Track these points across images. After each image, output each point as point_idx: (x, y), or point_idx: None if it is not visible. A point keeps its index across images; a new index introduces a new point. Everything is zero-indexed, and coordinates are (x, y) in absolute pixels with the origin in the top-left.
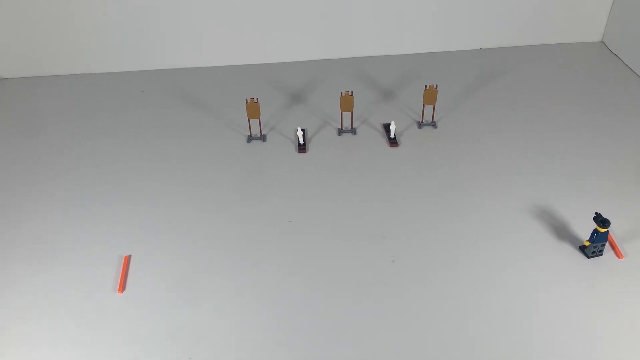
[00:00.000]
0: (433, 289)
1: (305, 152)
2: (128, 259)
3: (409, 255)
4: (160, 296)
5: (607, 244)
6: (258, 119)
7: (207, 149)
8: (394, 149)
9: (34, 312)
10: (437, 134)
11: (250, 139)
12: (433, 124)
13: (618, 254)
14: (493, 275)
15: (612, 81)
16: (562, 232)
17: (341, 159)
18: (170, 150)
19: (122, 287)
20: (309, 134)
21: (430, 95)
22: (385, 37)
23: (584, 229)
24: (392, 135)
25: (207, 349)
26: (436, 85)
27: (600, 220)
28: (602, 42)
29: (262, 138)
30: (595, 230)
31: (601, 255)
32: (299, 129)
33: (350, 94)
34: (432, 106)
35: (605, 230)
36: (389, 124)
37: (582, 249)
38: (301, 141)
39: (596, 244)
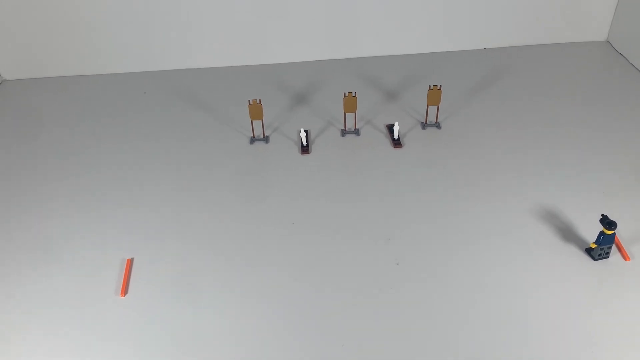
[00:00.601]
0: (438, 292)
1: (308, 153)
2: (130, 262)
3: (413, 257)
4: (163, 299)
5: (613, 246)
6: (261, 120)
7: (209, 150)
8: (397, 150)
9: (35, 315)
10: (442, 134)
11: (253, 140)
12: (437, 125)
13: (625, 257)
14: (498, 277)
15: (617, 81)
16: (567, 234)
17: (344, 160)
18: (173, 152)
19: (125, 290)
20: (312, 135)
21: (434, 95)
22: (388, 37)
23: (590, 231)
24: (395, 136)
25: (210, 352)
26: (440, 85)
27: (607, 222)
28: (608, 41)
29: (265, 139)
30: (601, 233)
31: (608, 257)
32: (302, 130)
33: (353, 94)
34: (436, 107)
35: (612, 232)
36: (393, 125)
37: (589, 251)
38: (304, 142)
39: (603, 246)
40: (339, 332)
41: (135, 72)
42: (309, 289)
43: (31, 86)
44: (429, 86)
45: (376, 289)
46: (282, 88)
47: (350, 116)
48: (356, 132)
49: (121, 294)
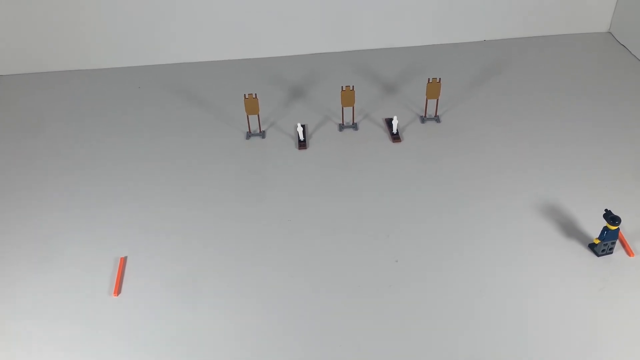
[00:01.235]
0: (438, 289)
1: (305, 148)
2: (124, 261)
3: (412, 254)
4: (157, 299)
5: (617, 241)
6: (257, 115)
7: (204, 146)
8: (396, 145)
9: (26, 316)
10: (441, 128)
11: (249, 135)
12: (436, 119)
13: (629, 252)
14: (499, 274)
15: (619, 72)
16: (570, 229)
17: (342, 155)
18: (167, 148)
19: (118, 290)
20: (309, 130)
21: (433, 89)
22: (387, 29)
23: (594, 226)
24: (394, 131)
25: (205, 352)
26: (439, 78)
27: (611, 218)
28: (609, 32)
29: (262, 134)
30: (605, 228)
31: (611, 253)
32: (299, 124)
33: (351, 88)
34: (436, 100)
35: (616, 227)
36: (392, 119)
37: (592, 247)
38: (301, 137)
39: (606, 241)
40: (336, 331)
41: (129, 67)
42: (305, 287)
43: (24, 82)
44: (428, 79)
45: (374, 287)
46: (278, 82)
47: (348, 110)
48: (354, 126)
49: (114, 293)
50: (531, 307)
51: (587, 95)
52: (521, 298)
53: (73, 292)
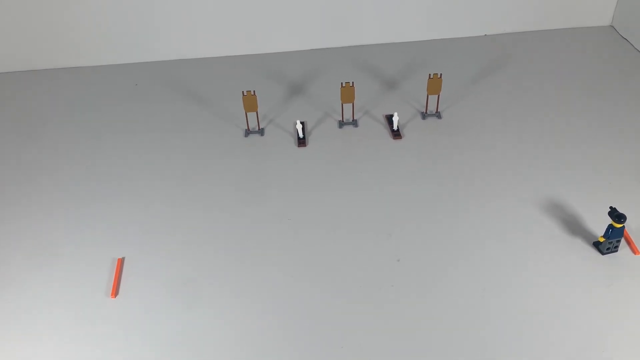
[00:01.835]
0: (440, 289)
1: (305, 145)
2: (121, 262)
3: (415, 253)
4: (155, 300)
5: (622, 239)
6: (256, 112)
7: (203, 143)
8: (397, 142)
9: (21, 317)
10: (442, 125)
11: (247, 132)
12: (437, 115)
13: (634, 250)
14: (502, 273)
15: (622, 66)
16: (574, 227)
17: (342, 152)
18: (165, 146)
19: (115, 291)
20: (308, 127)
21: (434, 84)
22: (387, 24)
23: (598, 224)
24: (395, 127)
25: (204, 355)
26: (440, 74)
27: (616, 215)
28: (612, 26)
29: (260, 132)
30: (610, 226)
31: (616, 251)
32: (298, 121)
33: (351, 84)
34: (437, 96)
35: (621, 225)
36: (392, 116)
37: (597, 245)
38: (301, 134)
39: (611, 239)
40: (338, 331)
41: (125, 64)
42: (306, 287)
43: (18, 80)
44: (429, 75)
45: (376, 286)
46: (277, 78)
47: (348, 107)
48: (354, 123)
49: (112, 295)
50: (535, 306)
51: (590, 90)
52: (525, 297)
53: (70, 294)
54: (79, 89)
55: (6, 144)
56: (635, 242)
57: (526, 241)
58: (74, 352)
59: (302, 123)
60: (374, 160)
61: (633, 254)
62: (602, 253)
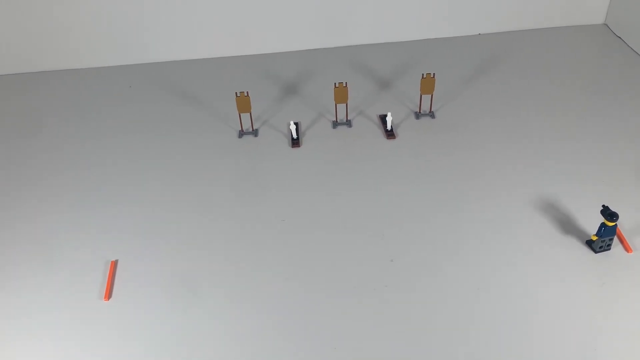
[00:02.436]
0: (434, 288)
1: (298, 146)
2: (114, 264)
3: (408, 253)
4: (148, 303)
5: (615, 237)
6: (249, 113)
7: (196, 145)
8: (391, 141)
9: (12, 322)
10: (436, 124)
11: (241, 134)
12: (431, 114)
13: (627, 248)
14: (495, 272)
15: (616, 64)
16: (567, 226)
17: (336, 153)
18: (158, 148)
19: (109, 294)
20: (302, 128)
21: (427, 84)
22: (380, 24)
23: (591, 223)
24: (388, 127)
25: (199, 357)
26: (434, 73)
27: (608, 214)
28: (605, 24)
29: (254, 133)
30: (602, 224)
31: (609, 249)
32: (292, 122)
33: (344, 84)
34: (430, 96)
35: (614, 224)
36: (386, 115)
37: (589, 243)
38: (294, 135)
39: (604, 238)
40: (331, 332)
41: (119, 66)
42: (299, 287)
43: (13, 82)
44: (422, 74)
45: (370, 287)
46: (270, 79)
47: (341, 107)
48: (348, 123)
49: (105, 297)
50: (528, 305)
51: (584, 88)
52: (518, 295)
53: (62, 297)
54: (71, 90)
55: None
56: (628, 240)
57: (519, 240)
58: (67, 356)
59: (296, 124)
60: (368, 161)
61: (626, 252)
62: (595, 251)
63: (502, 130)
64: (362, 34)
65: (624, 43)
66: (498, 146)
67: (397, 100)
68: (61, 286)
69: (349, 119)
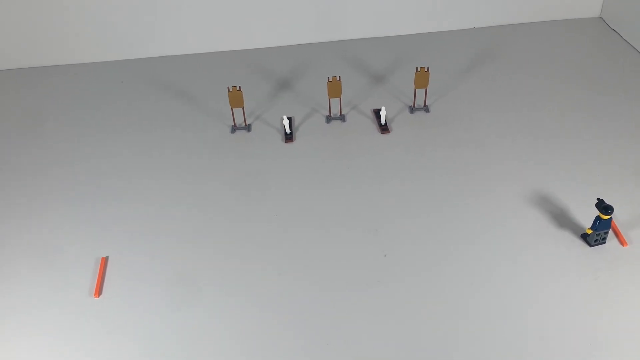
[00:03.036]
0: (428, 284)
1: (292, 141)
2: (105, 261)
3: (402, 248)
4: (139, 300)
5: (610, 231)
6: (242, 108)
7: (189, 141)
8: (385, 136)
9: (0, 319)
10: (430, 118)
11: (234, 129)
12: (425, 109)
13: (622, 242)
14: (490, 266)
15: (611, 57)
16: (562, 219)
17: (330, 147)
18: (150, 144)
19: (99, 291)
20: (295, 123)
21: (422, 78)
22: (374, 18)
23: (586, 216)
24: (382, 122)
25: (190, 355)
26: (428, 67)
27: (603, 207)
28: (601, 17)
29: (247, 128)
30: (597, 217)
31: (604, 243)
32: (285, 117)
33: (337, 79)
34: (424, 90)
35: (609, 217)
36: (380, 110)
37: (584, 237)
38: (287, 130)
39: (599, 231)
40: (323, 329)
41: (110, 61)
42: (292, 283)
43: (2, 78)
44: (417, 68)
45: (363, 282)
46: (263, 73)
47: (335, 102)
48: (342, 118)
49: (95, 294)
50: (523, 299)
51: (579, 82)
52: (513, 290)
53: (51, 294)
54: (62, 86)
55: None
56: (623, 233)
57: (513, 234)
58: (55, 353)
59: (289, 119)
60: (362, 155)
61: (621, 246)
62: (590, 245)
63: (497, 124)
64: (356, 27)
65: (619, 36)
66: (493, 140)
67: (391, 95)
68: (51, 283)
69: (342, 113)
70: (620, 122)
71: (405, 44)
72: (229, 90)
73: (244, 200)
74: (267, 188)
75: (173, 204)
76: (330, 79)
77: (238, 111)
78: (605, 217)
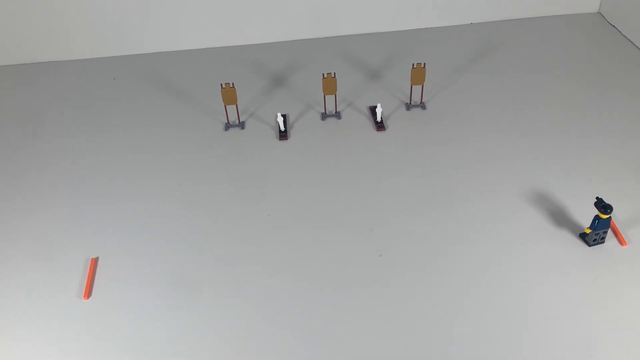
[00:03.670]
0: (424, 283)
1: (286, 139)
2: (95, 262)
3: (397, 247)
4: (130, 301)
5: (609, 230)
6: (235, 105)
7: (181, 138)
8: (381, 133)
9: None
10: (427, 115)
11: (227, 126)
12: (422, 105)
13: (621, 241)
14: (487, 266)
15: (610, 53)
16: (561, 218)
17: (325, 145)
18: (143, 141)
19: (88, 292)
20: (290, 120)
21: (418, 74)
22: (370, 13)
23: (585, 215)
24: (378, 119)
25: (181, 356)
26: (424, 63)
27: (602, 206)
28: (599, 12)
29: (241, 125)
30: (596, 217)
31: (603, 242)
32: (280, 114)
33: (332, 75)
34: (421, 86)
35: (608, 216)
36: (375, 107)
37: (583, 236)
38: (282, 127)
39: (598, 231)
40: (317, 330)
41: (103, 57)
42: (286, 283)
43: None
44: (413, 64)
45: (358, 283)
46: (257, 70)
47: (330, 98)
48: (337, 115)
49: (84, 296)
50: (521, 299)
51: (577, 78)
52: (511, 289)
53: (39, 295)
54: (55, 83)
55: None
56: (622, 232)
57: (512, 233)
58: (43, 356)
59: (283, 116)
60: (357, 153)
61: (620, 245)
62: (589, 244)
63: (494, 121)
64: (352, 23)
65: (618, 32)
66: (490, 138)
67: (387, 91)
68: (39, 284)
69: (338, 110)
70: (620, 119)
71: (402, 39)
72: (222, 87)
73: (237, 199)
74: (261, 187)
75: (164, 203)
76: (326, 76)
77: (231, 108)
78: (605, 217)
